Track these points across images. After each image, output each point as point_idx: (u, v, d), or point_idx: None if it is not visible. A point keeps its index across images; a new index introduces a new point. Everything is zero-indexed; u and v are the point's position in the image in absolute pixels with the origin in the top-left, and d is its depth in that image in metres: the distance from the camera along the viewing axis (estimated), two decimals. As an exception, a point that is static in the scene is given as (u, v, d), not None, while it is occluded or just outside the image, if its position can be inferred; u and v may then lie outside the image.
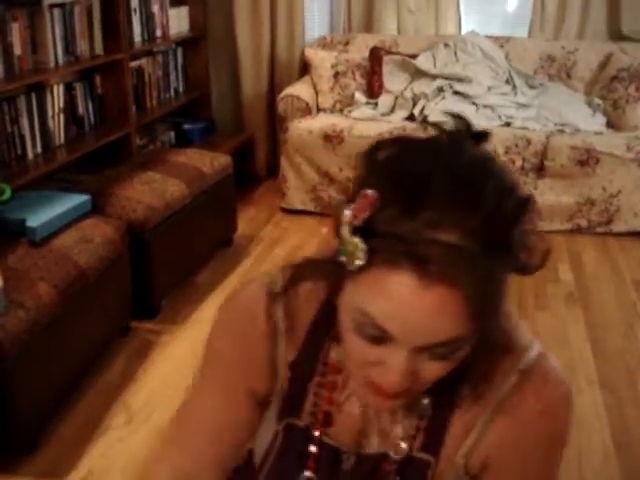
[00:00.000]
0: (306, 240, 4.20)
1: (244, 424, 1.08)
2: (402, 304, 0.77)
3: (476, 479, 1.02)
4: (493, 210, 0.77)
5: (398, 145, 0.86)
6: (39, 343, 2.38)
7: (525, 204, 0.82)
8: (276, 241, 4.20)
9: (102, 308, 2.85)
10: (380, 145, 0.86)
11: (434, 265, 0.75)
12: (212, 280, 3.68)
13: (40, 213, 2.76)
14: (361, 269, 0.79)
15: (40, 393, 2.44)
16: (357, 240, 0.78)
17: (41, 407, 2.47)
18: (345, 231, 0.79)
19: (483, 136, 0.89)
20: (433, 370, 0.85)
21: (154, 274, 3.24)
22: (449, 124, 0.90)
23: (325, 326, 1.01)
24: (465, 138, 0.88)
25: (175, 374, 2.88)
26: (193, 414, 1.10)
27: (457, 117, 0.92)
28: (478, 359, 0.90)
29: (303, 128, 4.45)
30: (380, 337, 0.82)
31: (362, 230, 0.78)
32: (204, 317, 3.33)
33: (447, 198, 0.77)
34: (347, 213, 0.79)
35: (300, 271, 0.99)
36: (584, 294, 3.61)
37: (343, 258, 0.80)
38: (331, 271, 0.85)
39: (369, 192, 0.79)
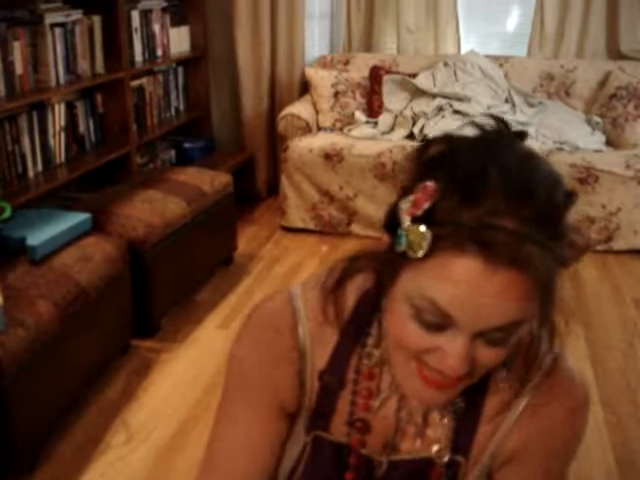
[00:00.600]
0: (306, 258, 4.20)
1: (277, 440, 1.07)
2: (469, 288, 0.79)
3: (495, 474, 1.03)
4: (545, 200, 0.81)
5: (448, 142, 0.89)
6: (39, 361, 2.38)
7: (571, 196, 0.85)
8: (276, 259, 4.20)
9: (102, 326, 2.84)
10: (430, 142, 0.89)
11: (500, 249, 0.77)
12: (212, 298, 3.68)
13: (40, 231, 2.77)
14: (425, 256, 0.80)
15: (40, 411, 2.43)
16: (421, 229, 0.80)
17: (41, 425, 2.46)
18: (407, 220, 0.82)
19: (523, 135, 0.92)
20: (488, 356, 0.86)
21: (154, 292, 3.24)
22: (489, 124, 0.92)
23: (354, 334, 1.01)
24: (510, 135, 0.91)
25: (175, 393, 2.88)
26: (225, 434, 1.08)
27: (496, 118, 0.94)
28: (526, 347, 0.93)
29: (303, 147, 4.46)
30: (440, 324, 0.83)
31: (423, 219, 0.81)
32: (204, 336, 3.33)
33: (504, 189, 0.79)
34: (407, 204, 0.82)
35: (354, 264, 0.98)
36: (584, 312, 3.61)
37: (403, 247, 0.82)
38: (387, 262, 0.87)
39: (429, 183, 0.82)
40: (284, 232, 4.60)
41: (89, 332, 2.74)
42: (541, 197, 0.80)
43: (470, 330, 0.82)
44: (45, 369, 2.43)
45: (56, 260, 2.71)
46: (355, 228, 4.47)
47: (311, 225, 4.56)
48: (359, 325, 1.00)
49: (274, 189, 5.04)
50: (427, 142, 0.90)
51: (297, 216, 4.56)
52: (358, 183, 4.40)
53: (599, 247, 4.32)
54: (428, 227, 0.80)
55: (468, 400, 0.99)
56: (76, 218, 2.95)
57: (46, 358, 2.42)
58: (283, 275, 3.98)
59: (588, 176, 4.19)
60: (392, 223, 0.86)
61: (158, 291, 3.26)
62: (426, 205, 0.81)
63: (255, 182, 5.19)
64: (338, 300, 1.01)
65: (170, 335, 3.32)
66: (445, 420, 1.00)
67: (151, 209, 3.29)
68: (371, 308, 1.00)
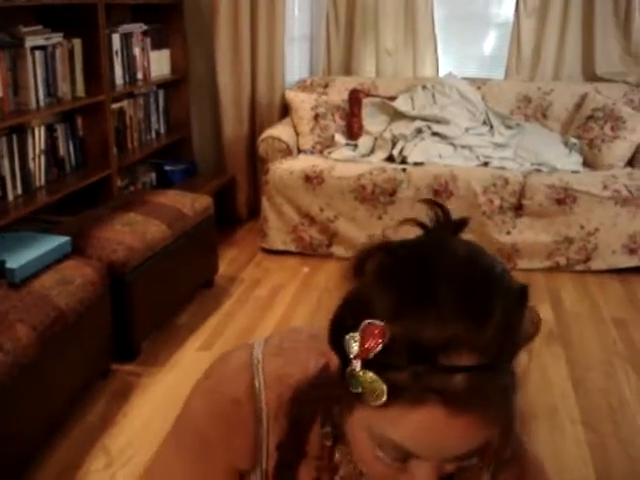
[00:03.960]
0: (287, 280, 4.20)
1: None
2: (431, 434, 0.76)
3: None
4: (503, 323, 0.77)
5: (385, 252, 0.85)
6: (18, 385, 2.35)
7: (526, 295, 0.83)
8: (257, 282, 4.19)
9: (82, 350, 2.82)
10: (367, 255, 0.85)
11: (459, 395, 0.74)
12: (193, 321, 3.67)
13: (20, 254, 2.75)
14: (382, 406, 0.77)
15: (19, 436, 2.41)
16: (375, 378, 0.76)
17: (20, 450, 2.43)
18: (357, 365, 0.78)
19: (462, 225, 0.88)
20: (452, 469, 0.83)
21: (134, 316, 3.23)
22: (428, 217, 0.87)
23: (310, 410, 0.98)
24: (448, 233, 0.87)
25: (155, 417, 2.85)
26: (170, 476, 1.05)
27: (433, 203, 0.92)
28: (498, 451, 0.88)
29: (284, 169, 4.48)
30: (405, 457, 0.81)
31: (374, 363, 0.77)
32: (185, 359, 3.32)
33: (458, 317, 0.75)
34: (354, 346, 0.78)
35: (300, 396, 0.93)
36: (564, 332, 3.62)
37: (358, 390, 0.78)
38: (340, 398, 0.83)
39: (377, 323, 0.77)
40: (265, 254, 4.60)
41: (68, 356, 2.72)
42: (498, 319, 0.77)
43: (435, 461, 0.80)
44: (24, 394, 2.41)
45: (35, 283, 2.69)
46: (336, 250, 4.48)
47: (292, 247, 4.56)
48: (311, 414, 0.97)
49: (255, 211, 5.04)
50: (364, 256, 0.85)
51: (278, 238, 4.56)
52: (338, 205, 4.41)
53: (578, 267, 4.35)
54: (381, 373, 0.76)
55: None
56: (56, 241, 2.94)
57: (25, 382, 2.40)
58: (264, 297, 3.97)
59: (566, 197, 4.23)
60: (340, 350, 0.81)
61: (138, 314, 3.25)
62: (376, 350, 0.76)
63: (236, 204, 5.19)
64: (275, 388, 0.98)
65: (151, 359, 3.30)
66: None
67: (131, 232, 3.28)
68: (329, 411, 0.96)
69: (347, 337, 0.79)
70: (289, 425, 0.99)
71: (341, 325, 0.82)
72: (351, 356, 0.78)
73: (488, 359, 0.75)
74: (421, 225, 0.88)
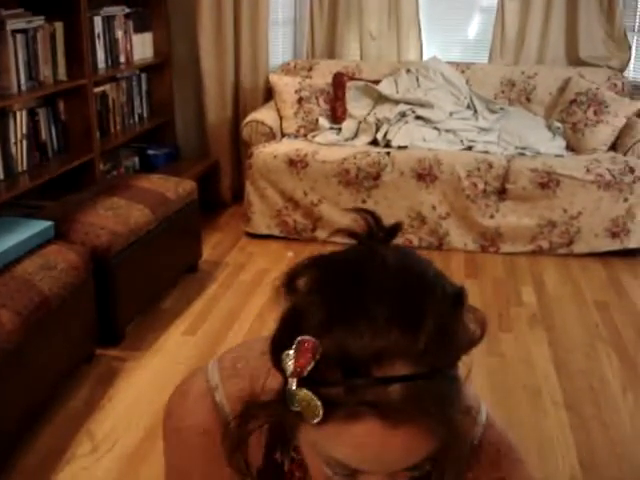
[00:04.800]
0: (272, 264, 4.20)
1: None
2: (371, 449, 0.76)
3: None
4: (437, 329, 0.76)
5: (317, 271, 0.84)
6: (1, 371, 2.35)
7: (461, 299, 0.81)
8: (241, 266, 4.19)
9: (66, 335, 2.82)
10: (298, 272, 0.84)
11: (395, 406, 0.73)
12: (177, 306, 3.66)
13: (2, 240, 2.73)
14: (320, 422, 0.76)
15: (2, 422, 2.40)
16: (310, 396, 0.76)
17: (4, 436, 2.43)
18: (293, 383, 0.77)
19: (395, 230, 0.87)
20: (407, 475, 0.82)
21: (118, 300, 3.22)
22: (357, 222, 0.87)
23: (280, 438, 0.97)
24: (379, 241, 0.86)
25: (140, 401, 2.86)
26: None
27: (363, 211, 0.91)
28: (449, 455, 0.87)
29: (267, 153, 4.47)
30: (352, 473, 0.80)
31: (309, 379, 0.76)
32: (169, 343, 3.32)
33: (387, 326, 0.75)
34: (289, 364, 0.77)
35: (247, 414, 0.90)
36: (547, 315, 3.65)
37: (297, 408, 0.77)
38: (283, 416, 0.82)
39: (308, 339, 0.76)
40: (249, 238, 4.60)
41: (52, 341, 2.71)
42: (431, 327, 0.75)
43: (382, 473, 0.79)
44: (8, 379, 2.40)
45: (18, 269, 2.68)
46: (320, 234, 4.48)
47: (276, 231, 4.56)
48: (279, 443, 0.97)
49: (239, 196, 5.03)
50: (294, 274, 0.84)
51: (262, 222, 4.56)
52: (322, 189, 4.41)
53: (561, 251, 4.38)
54: (316, 389, 0.75)
55: None
56: (39, 226, 2.93)
57: (9, 368, 2.39)
58: (248, 282, 3.97)
59: (549, 181, 4.25)
60: (279, 369, 0.80)
61: (122, 299, 3.24)
62: (309, 367, 0.75)
63: (219, 189, 5.18)
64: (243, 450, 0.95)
65: (135, 343, 3.30)
66: None
67: (115, 216, 3.27)
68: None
69: (283, 355, 0.78)
70: (264, 451, 0.98)
71: (278, 344, 0.81)
72: (287, 374, 0.77)
73: (424, 367, 0.74)
74: (353, 235, 0.87)
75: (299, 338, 0.77)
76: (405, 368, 0.73)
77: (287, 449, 0.97)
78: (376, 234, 0.86)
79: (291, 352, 0.77)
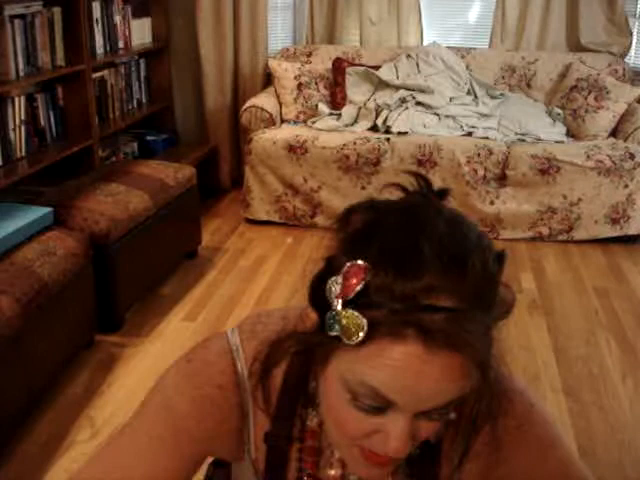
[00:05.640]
0: (271, 251, 4.20)
1: None
2: (409, 374, 0.76)
3: None
4: (480, 273, 0.79)
5: (373, 211, 0.86)
6: (1, 357, 2.35)
7: (502, 259, 0.84)
8: (241, 252, 4.19)
9: (65, 321, 2.82)
10: (354, 210, 0.86)
11: (438, 332, 0.75)
12: (177, 292, 3.66)
13: (1, 226, 2.73)
14: (361, 342, 0.77)
15: (3, 408, 2.40)
16: (355, 314, 0.76)
17: (4, 422, 2.43)
18: (338, 304, 0.78)
19: (445, 193, 0.89)
20: (427, 431, 0.84)
21: (118, 286, 3.22)
22: (410, 183, 0.89)
23: (297, 391, 0.97)
24: (434, 198, 0.88)
25: (140, 387, 2.86)
26: (130, 460, 0.97)
27: (416, 175, 0.93)
28: (475, 407, 0.88)
29: (267, 139, 4.45)
30: (380, 407, 0.80)
31: (355, 302, 0.77)
32: (169, 330, 3.32)
33: (439, 264, 0.77)
34: (336, 287, 0.78)
35: (279, 348, 0.92)
36: (546, 302, 3.65)
37: (337, 332, 0.78)
38: (318, 344, 0.83)
39: (359, 262, 0.78)
40: (248, 225, 4.59)
41: (52, 327, 2.71)
42: (476, 269, 0.78)
43: (411, 411, 0.80)
44: (8, 365, 2.41)
45: (18, 255, 2.67)
46: (319, 220, 4.47)
47: (275, 217, 4.55)
48: (301, 383, 0.96)
49: (238, 182, 5.02)
50: (350, 210, 0.86)
51: (261, 208, 4.55)
52: (322, 175, 4.40)
53: (561, 237, 4.38)
54: (362, 311, 0.76)
55: (423, 448, 0.95)
56: (38, 212, 2.92)
57: (8, 354, 2.39)
58: (248, 268, 3.97)
59: (549, 167, 4.24)
60: (320, 301, 0.81)
61: (122, 285, 3.24)
62: (358, 287, 0.77)
63: (219, 175, 5.17)
64: (265, 385, 0.96)
65: (134, 329, 3.30)
66: (402, 470, 0.98)
67: (114, 202, 3.26)
68: (303, 379, 0.96)
69: (329, 282, 0.79)
70: (274, 413, 0.98)
71: (323, 276, 0.82)
72: (333, 297, 0.78)
73: (466, 305, 0.76)
74: (405, 190, 0.89)
75: (349, 263, 0.78)
76: (450, 302, 0.76)
77: (310, 400, 0.96)
78: (428, 192, 0.89)
79: (339, 277, 0.78)
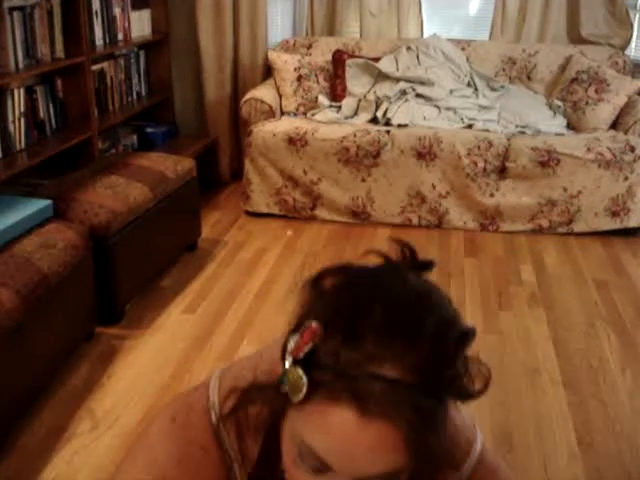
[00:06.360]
0: (271, 243, 4.20)
1: None
2: (342, 439, 0.77)
3: None
4: (433, 346, 0.78)
5: (343, 274, 0.87)
6: (1, 350, 2.35)
7: (466, 338, 0.82)
8: (241, 244, 4.19)
9: (65, 314, 2.82)
10: (326, 273, 0.87)
11: (374, 401, 0.75)
12: (177, 284, 3.66)
13: (1, 219, 2.73)
14: (303, 401, 0.79)
15: (3, 401, 2.41)
16: (299, 372, 0.79)
17: (4, 415, 2.43)
18: (289, 362, 0.81)
19: (428, 266, 0.90)
20: None
21: (118, 279, 3.22)
22: (395, 250, 0.90)
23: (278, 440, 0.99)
24: (408, 268, 0.88)
25: (140, 379, 2.86)
26: None
27: (402, 244, 0.94)
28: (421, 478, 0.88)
29: (267, 131, 4.45)
30: (321, 468, 0.81)
31: (305, 361, 0.79)
32: (169, 322, 3.32)
33: (387, 331, 0.77)
34: (291, 344, 0.81)
35: (244, 397, 0.95)
36: (546, 294, 3.65)
37: (286, 388, 0.80)
38: (274, 398, 0.85)
39: (313, 324, 0.80)
40: (248, 217, 4.59)
41: (52, 320, 2.71)
42: (428, 343, 0.78)
43: (348, 477, 0.80)
44: (8, 358, 2.41)
45: (17, 247, 2.67)
46: (319, 212, 4.47)
47: (275, 210, 4.55)
48: (274, 445, 0.97)
49: (238, 174, 5.02)
50: (324, 272, 0.88)
51: (261, 201, 4.55)
52: (322, 167, 4.40)
53: (560, 230, 4.38)
54: (308, 371, 0.78)
55: None
56: (37, 205, 2.92)
57: (9, 346, 2.39)
58: (248, 260, 3.97)
59: (549, 159, 4.24)
60: (283, 356, 0.84)
61: (122, 278, 3.24)
62: (306, 348, 0.79)
63: (218, 167, 5.17)
64: (239, 424, 0.99)
65: (134, 321, 3.30)
66: None
67: (113, 195, 3.26)
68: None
69: (290, 338, 0.82)
70: (258, 457, 1.00)
71: (290, 333, 0.84)
72: (288, 353, 0.81)
73: (412, 379, 0.76)
74: (385, 258, 0.90)
75: (306, 322, 0.81)
76: (392, 372, 0.76)
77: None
78: (407, 262, 0.90)
79: (297, 335, 0.81)
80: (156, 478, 1.00)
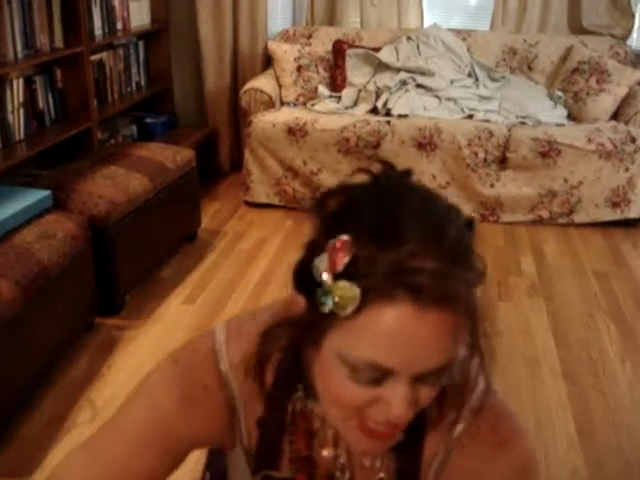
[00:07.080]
0: (271, 233, 4.19)
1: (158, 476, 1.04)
2: (403, 336, 0.79)
3: None
4: (456, 236, 0.82)
5: (346, 192, 0.89)
6: (1, 341, 2.35)
7: (471, 224, 0.88)
8: (240, 235, 4.18)
9: (65, 304, 2.82)
10: (327, 195, 0.88)
11: (427, 290, 0.78)
12: (176, 275, 3.66)
13: (0, 209, 2.72)
14: (353, 313, 0.79)
15: (3, 391, 2.41)
16: (347, 285, 0.79)
17: (4, 405, 2.44)
18: (328, 279, 0.80)
19: (409, 173, 0.92)
20: (427, 395, 0.86)
21: (117, 269, 3.21)
22: (375, 168, 0.92)
23: (288, 377, 0.99)
24: (402, 177, 0.91)
25: (140, 370, 2.86)
26: (117, 451, 1.05)
27: (381, 161, 0.96)
28: (454, 382, 0.92)
29: (266, 122, 4.44)
30: (379, 377, 0.82)
31: (344, 275, 0.79)
32: (169, 312, 3.32)
33: (418, 233, 0.80)
34: (324, 262, 0.81)
35: (269, 338, 0.93)
36: (546, 285, 3.65)
37: (329, 307, 0.80)
38: (309, 326, 0.85)
39: (343, 237, 0.80)
40: (248, 207, 4.59)
41: (52, 310, 2.71)
42: (452, 234, 0.82)
43: (409, 375, 0.82)
44: (8, 349, 2.41)
45: (17, 238, 2.67)
46: (319, 203, 4.46)
47: (275, 200, 4.54)
48: (286, 382, 0.99)
49: (237, 164, 5.01)
50: (324, 195, 0.89)
51: (261, 191, 4.54)
52: (322, 158, 4.39)
53: (561, 220, 4.37)
54: (352, 281, 0.79)
55: (408, 431, 0.96)
56: (36, 195, 2.91)
57: (9, 337, 2.39)
58: (248, 250, 3.97)
59: (550, 150, 4.23)
60: (307, 283, 0.83)
61: (121, 268, 3.24)
62: (346, 259, 0.79)
63: (218, 157, 5.16)
64: (258, 376, 0.98)
65: (134, 312, 3.30)
66: (389, 450, 1.00)
67: (113, 185, 3.25)
68: (295, 364, 0.97)
69: (315, 262, 0.82)
70: (266, 399, 1.00)
71: (306, 260, 0.84)
72: (321, 272, 0.81)
73: (449, 266, 0.80)
74: (373, 175, 0.92)
75: (331, 240, 0.80)
76: (433, 264, 0.79)
77: (303, 382, 0.98)
78: (395, 174, 0.92)
79: (324, 255, 0.81)
80: (157, 419, 1.02)
